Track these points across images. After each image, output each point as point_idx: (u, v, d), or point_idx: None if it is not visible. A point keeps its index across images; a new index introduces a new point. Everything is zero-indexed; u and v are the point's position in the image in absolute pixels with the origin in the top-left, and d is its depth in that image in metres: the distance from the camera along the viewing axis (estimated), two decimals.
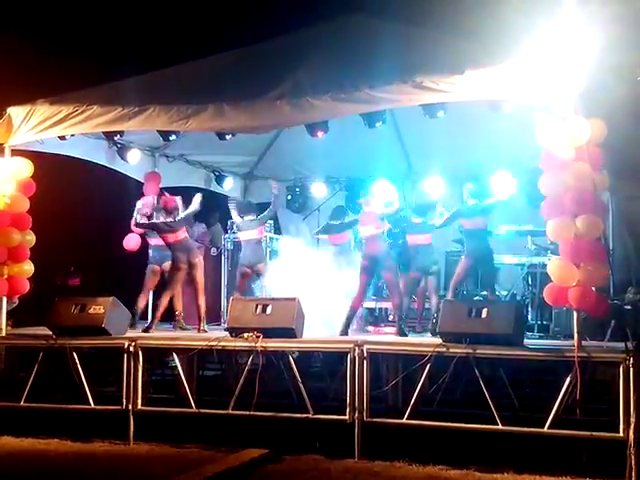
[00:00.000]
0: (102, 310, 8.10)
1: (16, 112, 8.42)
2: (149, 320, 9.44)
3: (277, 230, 11.93)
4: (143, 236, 9.98)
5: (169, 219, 9.15)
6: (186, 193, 9.74)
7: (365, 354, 7.12)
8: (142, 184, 10.76)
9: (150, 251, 9.96)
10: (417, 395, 6.98)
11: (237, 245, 10.29)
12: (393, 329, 9.06)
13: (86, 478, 6.38)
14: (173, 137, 8.93)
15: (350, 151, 10.75)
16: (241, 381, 7.45)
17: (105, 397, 8.03)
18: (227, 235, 11.54)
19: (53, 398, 7.98)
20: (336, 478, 6.44)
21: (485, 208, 9.09)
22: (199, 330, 8.99)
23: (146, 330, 8.86)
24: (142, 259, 10.25)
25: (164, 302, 9.20)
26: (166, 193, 9.68)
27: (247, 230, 9.74)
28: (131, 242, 10.12)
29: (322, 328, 8.41)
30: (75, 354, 7.88)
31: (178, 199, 9.30)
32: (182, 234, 9.19)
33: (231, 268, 11.21)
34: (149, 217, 9.30)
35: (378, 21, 8.57)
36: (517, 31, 7.26)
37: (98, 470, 6.63)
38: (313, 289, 8.76)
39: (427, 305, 10.05)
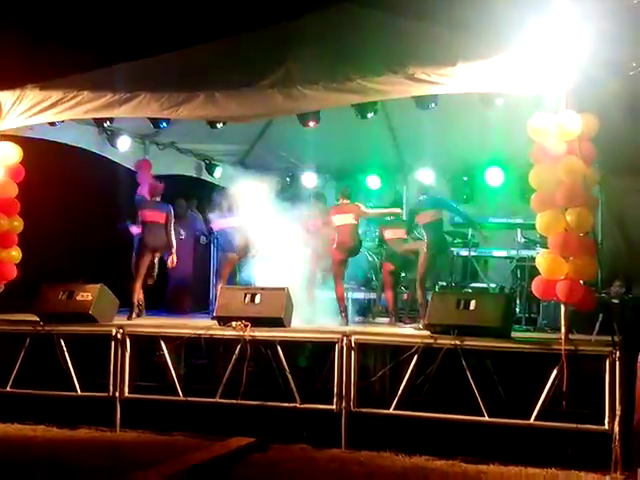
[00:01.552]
0: (90, 297, 8.10)
1: (5, 97, 8.37)
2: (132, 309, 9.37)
3: None
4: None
5: (157, 198, 9.37)
6: (176, 181, 9.76)
7: (353, 344, 7.14)
8: (132, 171, 10.71)
9: (219, 237, 9.95)
10: (404, 386, 7.00)
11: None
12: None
13: (72, 465, 6.35)
14: (164, 124, 8.89)
15: (341, 142, 10.74)
16: (229, 370, 7.45)
17: (92, 384, 8.00)
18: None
19: (40, 384, 7.94)
20: (322, 467, 6.45)
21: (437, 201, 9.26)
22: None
23: (129, 318, 8.84)
24: (131, 246, 10.24)
25: (138, 288, 9.26)
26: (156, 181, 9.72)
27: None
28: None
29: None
30: (62, 340, 7.86)
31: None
32: (161, 219, 9.22)
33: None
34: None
35: (370, 11, 8.54)
36: (510, 25, 7.25)
37: (84, 457, 6.61)
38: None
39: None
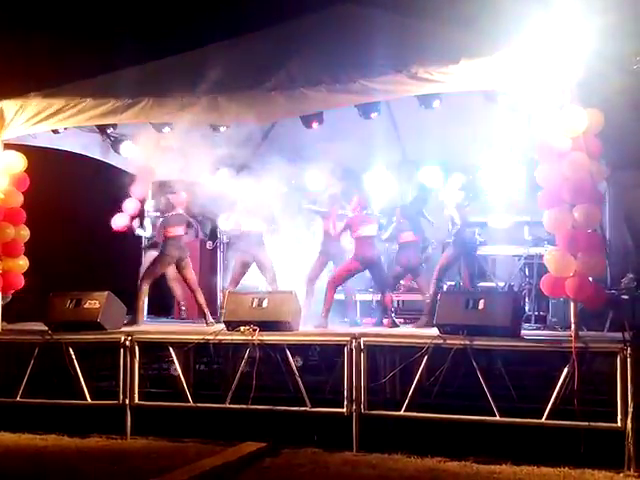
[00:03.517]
0: (97, 305, 8.09)
1: (8, 105, 8.35)
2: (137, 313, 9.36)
3: None
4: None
5: (174, 212, 9.35)
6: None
7: (362, 346, 7.11)
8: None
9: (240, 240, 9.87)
10: (415, 387, 6.97)
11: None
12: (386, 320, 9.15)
13: (83, 473, 6.35)
14: (167, 129, 8.87)
15: (346, 141, 10.70)
16: (238, 375, 7.43)
17: (102, 392, 8.00)
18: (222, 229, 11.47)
19: (50, 393, 7.94)
20: (334, 471, 6.43)
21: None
22: (207, 324, 9.01)
23: (133, 322, 8.82)
24: (137, 253, 10.25)
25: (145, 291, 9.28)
26: (176, 191, 9.67)
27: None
28: (119, 221, 10.10)
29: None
30: (71, 349, 7.85)
31: (183, 195, 9.48)
32: (180, 230, 9.25)
33: (227, 262, 11.16)
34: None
35: (372, 11, 8.53)
36: (513, 20, 7.22)
37: (95, 465, 6.60)
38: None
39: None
